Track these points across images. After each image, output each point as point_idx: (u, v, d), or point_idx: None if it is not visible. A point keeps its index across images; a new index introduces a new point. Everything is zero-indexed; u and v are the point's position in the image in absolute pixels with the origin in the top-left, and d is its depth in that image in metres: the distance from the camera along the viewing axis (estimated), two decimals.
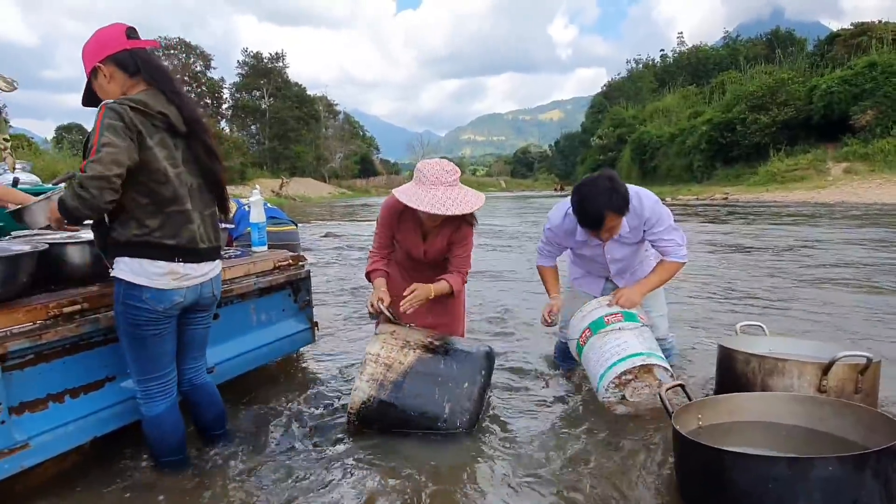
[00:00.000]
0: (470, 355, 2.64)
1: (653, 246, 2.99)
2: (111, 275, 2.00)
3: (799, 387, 2.40)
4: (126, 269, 1.95)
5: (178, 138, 2.02)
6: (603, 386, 2.64)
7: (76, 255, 2.22)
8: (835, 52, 36.72)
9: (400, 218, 2.84)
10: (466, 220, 2.80)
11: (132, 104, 1.88)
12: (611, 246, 2.96)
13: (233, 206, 3.81)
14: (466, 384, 2.55)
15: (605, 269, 3.13)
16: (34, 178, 3.58)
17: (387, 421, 2.53)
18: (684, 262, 2.92)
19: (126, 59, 1.98)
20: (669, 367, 2.62)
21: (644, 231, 2.88)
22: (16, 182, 3.29)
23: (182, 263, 2.01)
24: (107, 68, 1.98)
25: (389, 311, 2.70)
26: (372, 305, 2.74)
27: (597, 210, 2.61)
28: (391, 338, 2.62)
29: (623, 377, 2.58)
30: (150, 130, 1.91)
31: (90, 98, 2.07)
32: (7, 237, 2.46)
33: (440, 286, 2.76)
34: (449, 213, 2.52)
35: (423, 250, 2.87)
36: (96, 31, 2.02)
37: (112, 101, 1.87)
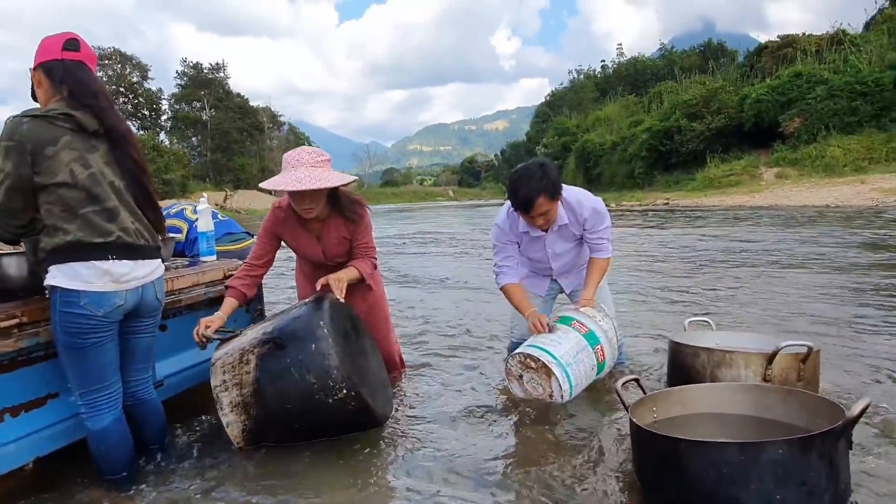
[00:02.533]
0: (301, 317, 2.42)
1: (587, 243, 3.09)
2: (45, 283, 1.93)
3: (746, 377, 2.50)
4: (59, 274, 1.89)
5: (96, 139, 1.98)
6: (513, 353, 2.78)
7: (13, 267, 2.11)
8: (763, 63, 38.52)
9: (285, 223, 2.76)
10: (352, 210, 2.73)
11: (30, 114, 1.88)
12: (552, 239, 3.04)
13: (184, 226, 3.66)
14: (313, 345, 2.31)
15: (545, 266, 3.20)
16: None
17: (279, 431, 2.39)
18: (610, 257, 3.08)
19: (54, 69, 1.98)
20: (565, 387, 2.63)
21: (584, 230, 2.99)
22: None
23: (117, 261, 1.95)
24: (37, 74, 2.01)
25: (219, 334, 2.52)
26: (197, 334, 2.49)
27: (528, 192, 2.72)
28: (227, 357, 2.41)
29: (527, 361, 2.68)
30: (53, 135, 1.88)
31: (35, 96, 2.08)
32: None
33: (349, 272, 2.68)
34: (304, 187, 2.44)
35: (320, 251, 2.80)
36: (46, 36, 2.03)
37: (12, 116, 1.88)
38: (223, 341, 2.51)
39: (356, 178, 2.60)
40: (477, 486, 2.14)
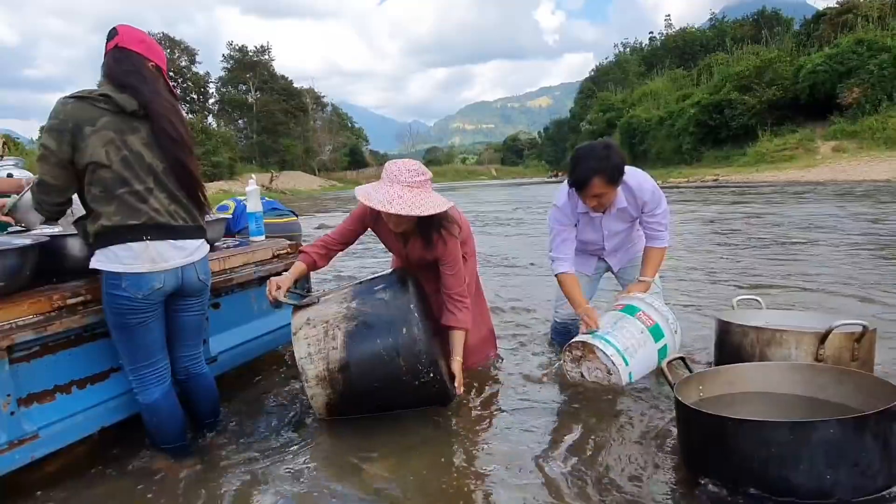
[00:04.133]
0: (389, 299, 2.45)
1: (644, 228, 3.04)
2: (91, 266, 2.02)
3: (797, 356, 2.44)
4: (102, 258, 1.99)
5: (138, 120, 2.02)
6: (573, 342, 2.81)
7: (77, 248, 2.21)
8: (821, 31, 36.78)
9: (377, 218, 2.66)
10: (441, 235, 2.58)
11: (74, 95, 1.97)
12: (608, 220, 3.00)
13: (231, 204, 3.84)
14: (404, 329, 2.36)
15: (597, 247, 3.16)
16: (27, 174, 3.56)
17: (360, 406, 2.46)
18: (667, 247, 3.04)
19: (107, 61, 2.07)
20: (624, 379, 2.67)
21: (642, 212, 2.94)
22: (9, 177, 3.27)
23: (152, 242, 2.00)
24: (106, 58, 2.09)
25: (290, 297, 2.55)
26: (269, 294, 2.50)
27: (585, 171, 2.66)
28: (310, 329, 2.43)
29: (587, 351, 2.72)
30: (92, 115, 1.94)
31: None
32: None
33: (456, 338, 2.66)
34: (392, 210, 2.34)
35: (405, 255, 2.77)
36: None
37: (61, 97, 1.98)
38: (297, 307, 2.55)
39: (451, 203, 2.52)
40: (527, 463, 2.18)
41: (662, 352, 2.79)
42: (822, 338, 2.39)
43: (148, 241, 2.00)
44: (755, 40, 45.31)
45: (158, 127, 2.04)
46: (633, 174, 2.87)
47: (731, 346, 2.66)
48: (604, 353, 2.67)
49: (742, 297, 3.10)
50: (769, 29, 46.81)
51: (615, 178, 2.68)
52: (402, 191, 2.38)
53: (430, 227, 2.57)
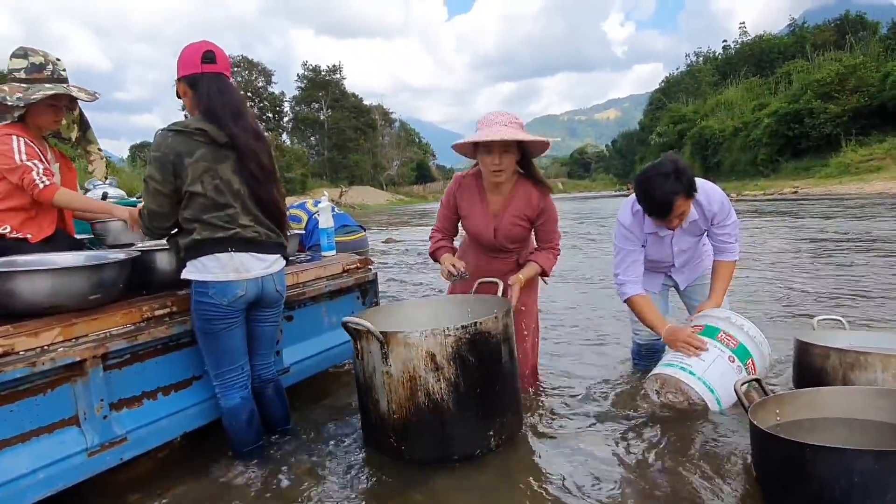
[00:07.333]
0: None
1: (712, 240, 2.92)
2: (182, 277, 2.18)
3: (883, 381, 2.31)
4: (193, 269, 2.15)
5: (227, 150, 2.18)
6: (656, 375, 2.75)
7: (165, 262, 2.37)
8: None
9: (464, 191, 2.79)
10: (538, 190, 2.71)
11: (174, 129, 2.13)
12: (678, 237, 2.90)
13: (304, 216, 3.98)
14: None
15: (664, 265, 3.07)
16: (120, 192, 3.83)
17: None
18: (737, 259, 2.92)
19: (196, 83, 2.20)
20: (706, 399, 2.58)
21: (712, 224, 2.84)
22: (105, 196, 3.53)
23: (236, 253, 2.16)
24: (181, 86, 2.24)
25: (461, 274, 2.66)
26: (451, 268, 2.66)
27: (664, 195, 2.54)
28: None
29: (671, 384, 2.66)
30: (190, 147, 2.11)
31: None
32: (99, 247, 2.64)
33: (529, 270, 2.73)
34: (497, 137, 2.48)
35: (492, 228, 2.77)
36: (188, 45, 2.24)
37: (160, 130, 2.16)
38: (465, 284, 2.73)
39: (550, 140, 2.63)
40: (596, 480, 2.15)
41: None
42: None
43: (233, 253, 2.16)
44: (838, 46, 43.29)
45: (244, 163, 2.21)
46: (700, 186, 2.75)
47: (812, 368, 2.54)
48: (691, 387, 2.58)
49: (824, 318, 2.95)
50: (853, 34, 44.54)
51: (692, 191, 2.60)
52: (499, 129, 2.53)
53: (533, 173, 2.72)
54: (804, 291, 5.46)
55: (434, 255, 2.89)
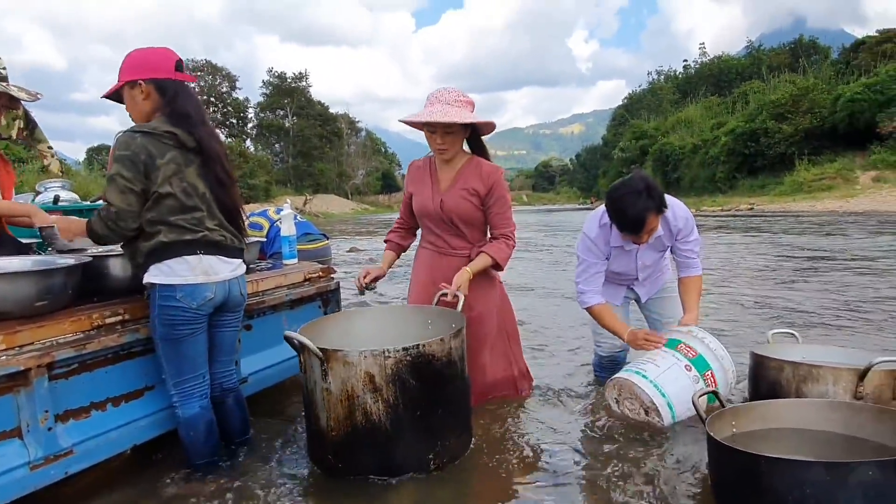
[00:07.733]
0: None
1: (676, 256, 2.97)
2: (144, 281, 2.11)
3: (834, 393, 2.37)
4: (157, 272, 2.09)
5: (193, 154, 2.16)
6: (614, 380, 2.76)
7: (117, 268, 2.29)
8: (860, 60, 36.21)
9: (416, 175, 2.82)
10: (488, 166, 2.66)
11: (141, 130, 2.07)
12: (643, 251, 2.94)
13: (265, 224, 3.92)
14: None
15: (627, 278, 3.11)
16: (73, 196, 3.70)
17: None
18: (701, 275, 2.97)
19: (167, 88, 2.16)
20: (667, 420, 2.59)
21: (676, 240, 2.89)
22: (56, 199, 3.41)
23: (204, 256, 2.13)
24: (147, 87, 2.15)
25: (367, 286, 2.74)
26: (358, 281, 2.77)
27: (638, 212, 2.57)
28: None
29: (626, 389, 2.68)
30: (161, 150, 2.07)
31: (115, 96, 2.23)
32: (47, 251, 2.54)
33: (479, 261, 2.65)
34: (431, 119, 2.45)
35: (439, 200, 2.70)
36: (148, 48, 2.20)
37: (123, 131, 2.08)
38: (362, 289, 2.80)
39: (492, 122, 2.57)
40: (548, 494, 2.14)
41: (710, 397, 2.69)
42: (862, 374, 2.32)
43: (201, 255, 2.13)
44: (792, 69, 44.83)
45: (210, 168, 2.19)
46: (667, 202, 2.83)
47: (766, 381, 2.59)
48: (642, 390, 2.60)
49: (778, 331, 3.02)
50: (807, 58, 46.24)
51: (663, 207, 2.64)
52: (442, 107, 2.49)
53: (483, 150, 2.70)
54: (760, 303, 5.59)
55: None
